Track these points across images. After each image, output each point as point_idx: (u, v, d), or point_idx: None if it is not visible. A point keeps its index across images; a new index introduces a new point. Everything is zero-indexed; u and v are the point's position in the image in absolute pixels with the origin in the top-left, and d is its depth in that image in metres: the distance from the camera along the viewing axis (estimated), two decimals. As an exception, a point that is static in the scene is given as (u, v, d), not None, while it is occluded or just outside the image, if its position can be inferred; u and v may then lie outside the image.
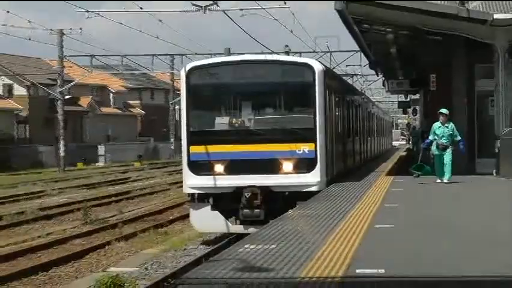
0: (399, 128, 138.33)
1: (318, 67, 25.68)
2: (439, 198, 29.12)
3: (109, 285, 24.74)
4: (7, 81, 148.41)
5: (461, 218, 23.84)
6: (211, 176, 25.06)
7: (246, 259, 16.26)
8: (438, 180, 33.49)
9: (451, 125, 34.52)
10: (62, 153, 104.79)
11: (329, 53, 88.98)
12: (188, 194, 26.30)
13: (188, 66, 26.43)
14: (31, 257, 34.33)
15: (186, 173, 25.93)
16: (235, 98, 26.88)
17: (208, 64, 26.83)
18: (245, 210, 24.18)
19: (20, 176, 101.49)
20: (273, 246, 17.78)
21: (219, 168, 25.03)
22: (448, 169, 33.47)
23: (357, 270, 15.02)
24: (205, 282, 14.61)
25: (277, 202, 24.38)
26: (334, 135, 29.48)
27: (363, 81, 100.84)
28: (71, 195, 68.58)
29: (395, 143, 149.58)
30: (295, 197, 23.96)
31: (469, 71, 41.16)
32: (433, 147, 35.10)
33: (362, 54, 57.93)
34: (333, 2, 35.68)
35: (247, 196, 24.05)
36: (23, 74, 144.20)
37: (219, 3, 43.10)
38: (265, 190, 24.57)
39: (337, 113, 32.33)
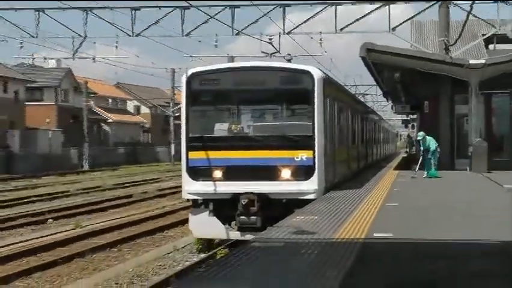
0: (402, 138, 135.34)
1: (317, 74, 21.60)
2: (426, 184, 28.81)
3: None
4: (136, 103, 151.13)
5: (446, 198, 23.54)
6: (210, 182, 21.30)
7: (298, 226, 16.20)
8: (427, 175, 32.87)
9: (431, 138, 34.36)
10: (173, 152, 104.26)
11: (354, 86, 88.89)
12: (187, 199, 22.94)
13: (189, 72, 22.58)
14: (152, 222, 33.98)
15: (185, 178, 21.98)
16: (235, 104, 22.79)
17: (209, 70, 22.87)
18: (241, 217, 20.54)
19: (144, 168, 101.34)
20: (316, 217, 17.63)
21: (217, 174, 21.26)
22: (431, 167, 33.09)
23: (375, 234, 14.94)
24: (273, 241, 14.49)
25: (275, 209, 20.21)
26: (334, 142, 25.27)
27: (379, 105, 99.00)
28: (179, 180, 67.50)
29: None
30: (292, 204, 20.03)
31: (451, 100, 40.97)
32: (430, 154, 34.84)
33: (378, 86, 57.19)
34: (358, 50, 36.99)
35: (243, 203, 20.30)
36: (147, 99, 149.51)
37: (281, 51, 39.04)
38: (263, 197, 20.62)
39: (338, 121, 26.87)
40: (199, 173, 21.64)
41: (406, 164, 46.75)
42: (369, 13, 45.54)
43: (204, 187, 21.45)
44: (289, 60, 26.67)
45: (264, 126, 22.21)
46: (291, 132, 21.56)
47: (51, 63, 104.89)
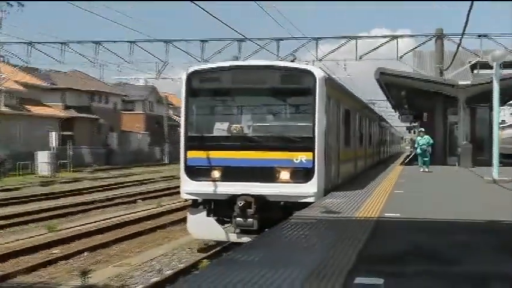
0: (405, 140, 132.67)
1: (319, 74, 17.85)
2: (425, 177, 28.61)
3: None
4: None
5: (440, 187, 23.38)
6: (207, 182, 17.59)
7: (326, 206, 16.06)
8: (422, 169, 32.79)
9: (427, 137, 34.21)
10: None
11: (370, 101, 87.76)
12: (185, 199, 19.41)
13: (189, 70, 18.88)
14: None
15: (183, 177, 18.31)
16: (234, 103, 19.12)
17: (208, 69, 19.39)
18: (238, 219, 16.98)
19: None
20: (339, 200, 17.48)
21: (215, 174, 17.56)
22: (427, 163, 33.05)
23: (385, 214, 14.84)
24: (308, 218, 14.44)
25: (272, 212, 16.83)
26: (338, 144, 21.41)
27: (388, 115, 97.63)
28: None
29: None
30: (290, 207, 16.48)
31: (444, 111, 40.72)
32: (418, 150, 34.99)
33: (388, 101, 56.79)
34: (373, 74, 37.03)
35: (240, 205, 16.77)
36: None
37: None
38: (260, 199, 16.99)
39: (343, 123, 22.48)
40: (197, 172, 17.91)
41: (410, 161, 46.41)
42: (381, 45, 45.63)
43: (201, 187, 17.79)
44: (292, 61, 22.31)
45: (264, 127, 18.51)
46: (291, 133, 17.84)
47: (141, 82, 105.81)
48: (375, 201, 17.55)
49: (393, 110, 65.85)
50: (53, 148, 64.74)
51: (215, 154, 17.69)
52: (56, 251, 20.03)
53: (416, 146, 36.18)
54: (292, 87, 18.35)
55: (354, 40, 45.70)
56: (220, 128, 18.27)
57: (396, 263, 9.29)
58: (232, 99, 19.11)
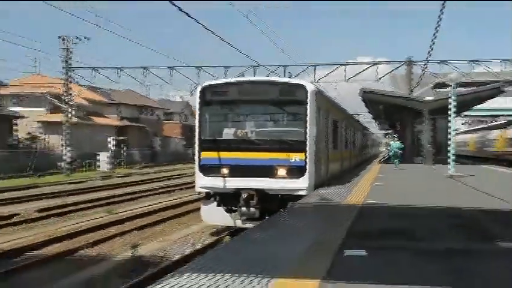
0: (382, 144, 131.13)
1: (310, 88, 17.20)
2: (398, 173, 28.52)
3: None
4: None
5: (409, 180, 23.30)
6: (217, 178, 16.91)
7: (321, 195, 16.04)
8: (395, 167, 32.65)
9: (399, 142, 34.23)
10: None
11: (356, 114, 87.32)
12: (199, 192, 18.28)
13: (203, 85, 18.27)
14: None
15: (197, 174, 17.56)
16: (240, 112, 18.37)
17: (218, 84, 18.59)
18: (243, 209, 16.53)
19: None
20: (331, 191, 17.43)
21: (223, 171, 16.82)
22: (397, 162, 32.98)
23: (368, 201, 14.80)
24: (307, 204, 14.46)
25: (271, 203, 16.45)
26: (327, 146, 20.52)
27: (370, 125, 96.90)
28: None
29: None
30: (286, 198, 16.08)
31: (412, 121, 40.62)
32: (391, 152, 35.12)
33: (369, 113, 56.64)
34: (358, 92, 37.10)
35: (244, 197, 16.37)
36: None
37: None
38: (261, 192, 16.50)
39: (330, 129, 21.52)
40: (209, 170, 17.18)
41: (386, 160, 46.26)
42: (364, 70, 45.68)
43: (212, 182, 17.04)
44: (290, 76, 21.72)
45: (264, 132, 17.67)
46: (287, 137, 16.95)
47: (178, 99, 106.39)
48: (359, 192, 17.47)
49: (373, 120, 65.53)
50: (111, 150, 65.11)
51: (224, 154, 17.10)
52: (113, 230, 20.10)
53: (390, 149, 36.46)
54: (288, 99, 17.42)
55: (343, 66, 45.90)
56: (228, 133, 17.64)
57: (376, 239, 9.32)
58: (238, 109, 18.40)
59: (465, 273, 7.08)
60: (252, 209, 16.45)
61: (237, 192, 16.63)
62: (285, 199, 16.20)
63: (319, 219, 11.68)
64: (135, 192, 33.35)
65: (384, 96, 38.31)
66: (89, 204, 27.24)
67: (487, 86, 37.10)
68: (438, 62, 44.13)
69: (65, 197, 31.37)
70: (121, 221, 22.01)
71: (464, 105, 39.59)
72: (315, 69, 45.68)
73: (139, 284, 11.98)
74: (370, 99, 38.35)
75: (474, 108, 48.79)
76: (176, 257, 15.67)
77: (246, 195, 16.41)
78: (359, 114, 54.45)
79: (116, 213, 24.35)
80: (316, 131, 17.41)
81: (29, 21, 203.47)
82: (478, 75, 47.22)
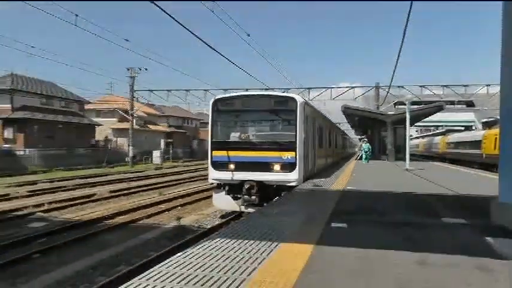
0: (358, 146, 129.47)
1: (299, 100, 16.26)
2: (369, 167, 28.35)
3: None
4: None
5: (377, 172, 23.13)
6: (225, 172, 15.95)
7: (315, 183, 15.96)
8: (364, 162, 32.44)
9: (368, 144, 34.00)
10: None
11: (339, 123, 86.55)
12: (211, 183, 17.04)
13: (215, 98, 17.11)
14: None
15: (210, 169, 16.41)
16: (243, 120, 17.21)
17: (227, 97, 17.31)
18: (245, 196, 15.63)
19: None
20: (322, 180, 17.35)
21: (230, 166, 15.88)
22: (367, 159, 32.78)
23: (347, 187, 14.73)
24: (303, 189, 14.40)
25: (269, 191, 15.64)
26: (314, 146, 19.33)
27: (348, 131, 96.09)
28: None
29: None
30: (280, 189, 15.35)
31: (379, 129, 40.23)
32: (362, 152, 35.02)
33: (348, 123, 56.35)
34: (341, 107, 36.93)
35: (247, 187, 15.54)
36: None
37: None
38: (260, 183, 15.60)
39: (315, 132, 20.22)
40: (219, 165, 16.11)
41: (360, 158, 46.07)
42: (344, 92, 45.61)
43: (221, 175, 16.04)
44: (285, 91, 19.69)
45: (263, 135, 16.52)
46: (280, 139, 15.91)
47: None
48: (341, 181, 17.34)
49: (351, 128, 65.20)
50: (162, 149, 65.88)
51: (231, 153, 16.01)
52: (162, 206, 20.08)
53: (361, 149, 36.28)
54: (281, 109, 16.39)
55: (329, 89, 45.84)
56: (234, 136, 16.64)
57: (352, 214, 9.27)
58: (242, 117, 17.15)
59: (414, 238, 7.08)
60: (253, 197, 15.56)
61: (241, 183, 15.74)
62: (279, 189, 15.44)
63: (312, 200, 11.63)
64: (178, 180, 33.37)
65: (358, 110, 38.14)
66: (146, 188, 27.26)
67: (432, 104, 36.83)
68: (398, 87, 43.77)
69: (129, 182, 31.50)
70: (168, 200, 22.01)
71: (416, 118, 39.45)
72: (309, 91, 45.68)
73: (183, 244, 12.00)
74: (349, 113, 38.18)
75: (423, 120, 48.54)
76: (209, 226, 15.71)
77: (248, 186, 15.56)
78: (340, 123, 54.12)
79: (165, 194, 24.33)
80: (304, 134, 16.39)
81: (107, 59, 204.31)
82: (426, 96, 47.07)
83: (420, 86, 44.01)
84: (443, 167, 29.89)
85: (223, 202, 16.58)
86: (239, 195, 16.06)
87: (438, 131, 73.12)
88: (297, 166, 15.49)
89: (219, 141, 16.48)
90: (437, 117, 51.58)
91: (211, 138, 16.54)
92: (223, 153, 16.08)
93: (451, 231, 7.68)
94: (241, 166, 15.77)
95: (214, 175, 16.27)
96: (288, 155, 15.55)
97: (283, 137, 15.97)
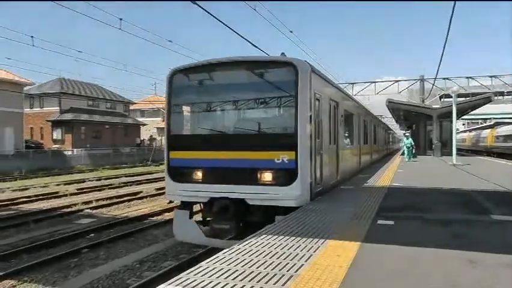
0: (402, 141, 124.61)
1: (302, 66, 9.62)
2: (415, 163, 27.87)
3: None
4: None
5: (424, 169, 22.70)
6: (188, 184, 10.10)
7: (359, 178, 15.80)
8: (406, 159, 31.57)
9: (410, 139, 32.98)
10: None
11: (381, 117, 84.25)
12: (168, 202, 12.64)
13: (172, 69, 10.66)
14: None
15: (166, 179, 10.50)
16: (216, 101, 10.73)
17: (190, 67, 10.62)
18: (214, 223, 10.05)
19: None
20: (367, 176, 17.16)
21: (196, 175, 10.05)
22: (409, 156, 31.70)
23: (394, 184, 14.55)
24: (348, 187, 14.30)
25: (254, 215, 9.82)
26: (328, 142, 11.96)
27: (393, 126, 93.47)
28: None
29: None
30: (273, 210, 9.54)
31: (425, 123, 39.53)
32: (404, 147, 33.78)
33: (392, 117, 55.54)
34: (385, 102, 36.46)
35: (216, 209, 9.84)
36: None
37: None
38: (239, 203, 9.68)
39: (334, 120, 12.73)
40: (178, 173, 10.36)
41: (402, 154, 45.35)
42: (389, 86, 44.95)
43: (181, 188, 10.29)
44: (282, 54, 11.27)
45: (245, 125, 10.26)
46: (273, 131, 10.08)
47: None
48: (386, 177, 17.10)
49: (395, 122, 64.09)
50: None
51: (195, 154, 10.26)
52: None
53: (403, 144, 35.12)
54: (273, 81, 10.00)
55: (373, 83, 45.15)
56: (201, 127, 10.88)
57: (399, 211, 9.18)
58: (213, 95, 10.93)
59: (463, 236, 6.93)
60: (226, 225, 10.03)
61: (211, 201, 10.10)
62: (271, 211, 10.01)
63: (359, 197, 11.53)
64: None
65: (403, 105, 37.45)
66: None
67: (479, 96, 35.75)
68: (443, 79, 42.68)
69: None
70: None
71: (463, 111, 38.40)
72: (353, 86, 44.93)
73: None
74: (393, 107, 37.54)
75: (470, 113, 47.19)
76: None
77: (218, 206, 9.93)
78: (384, 117, 53.24)
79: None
80: (312, 122, 10.09)
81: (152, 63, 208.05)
82: (473, 88, 45.73)
83: (467, 78, 42.64)
84: (491, 162, 28.99)
85: (186, 231, 10.64)
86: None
87: (486, 124, 70.78)
88: (299, 174, 9.55)
89: (178, 136, 10.94)
90: (485, 110, 50.06)
91: (167, 132, 10.86)
92: (185, 154, 10.49)
93: (502, 229, 7.49)
94: (211, 175, 10.07)
95: (172, 188, 10.54)
96: (284, 157, 9.52)
97: (276, 127, 10.21)
